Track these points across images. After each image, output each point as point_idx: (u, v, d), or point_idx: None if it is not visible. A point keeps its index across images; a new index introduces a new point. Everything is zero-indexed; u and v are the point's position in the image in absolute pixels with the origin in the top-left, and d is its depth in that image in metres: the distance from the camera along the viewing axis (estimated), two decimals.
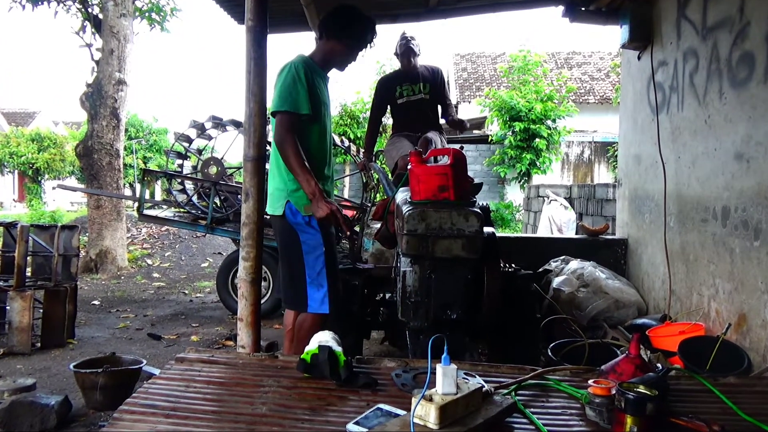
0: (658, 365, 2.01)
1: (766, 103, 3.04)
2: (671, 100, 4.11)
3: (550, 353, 3.06)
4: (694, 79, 3.80)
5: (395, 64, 5.52)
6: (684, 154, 3.90)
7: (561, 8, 5.01)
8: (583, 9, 5.01)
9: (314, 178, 2.65)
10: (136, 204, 6.61)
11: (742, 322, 3.19)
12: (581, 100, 19.11)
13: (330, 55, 2.89)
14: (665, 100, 4.21)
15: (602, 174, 16.22)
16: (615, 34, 4.77)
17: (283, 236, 2.81)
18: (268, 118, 2.74)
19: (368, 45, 2.96)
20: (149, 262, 9.49)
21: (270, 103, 2.73)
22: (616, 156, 5.97)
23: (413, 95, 4.46)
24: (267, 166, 2.97)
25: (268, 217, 2.85)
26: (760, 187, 3.06)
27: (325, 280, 2.73)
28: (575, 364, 2.27)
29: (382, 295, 3.78)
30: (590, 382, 1.68)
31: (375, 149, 4.97)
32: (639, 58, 4.69)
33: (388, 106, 4.61)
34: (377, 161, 5.72)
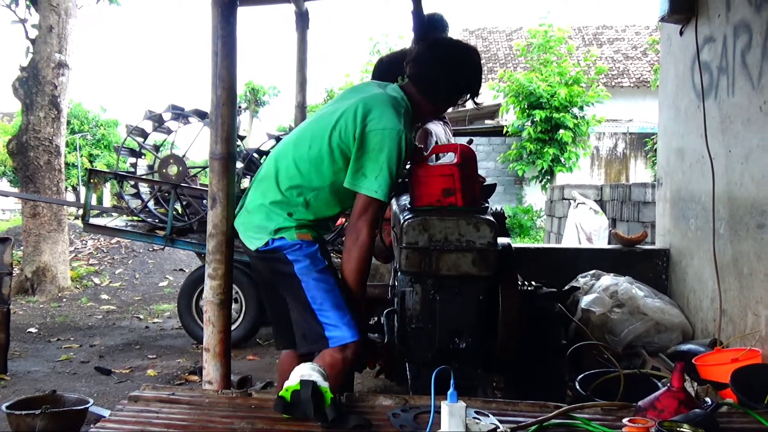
0: (707, 400, 2.02)
1: None
2: (720, 84, 4.14)
3: (578, 387, 3.06)
4: (747, 59, 3.83)
5: (391, 42, 5.53)
6: (735, 147, 3.93)
7: None
8: None
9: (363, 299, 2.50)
10: (81, 211, 6.60)
11: None
12: (614, 84, 19.24)
13: (417, 112, 2.63)
14: (712, 83, 4.24)
15: (639, 171, 16.31)
16: (653, 4, 4.81)
17: (263, 269, 2.57)
18: (236, 107, 2.71)
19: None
20: (96, 281, 9.46)
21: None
22: (656, 150, 5.99)
23: None
24: (238, 165, 2.98)
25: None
26: None
27: (343, 300, 2.44)
28: (608, 400, 2.28)
29: (376, 319, 3.78)
30: (625, 420, 1.69)
31: None
32: (681, 33, 4.73)
33: None
34: None
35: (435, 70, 2.54)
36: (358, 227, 2.39)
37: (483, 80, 2.74)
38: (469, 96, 2.69)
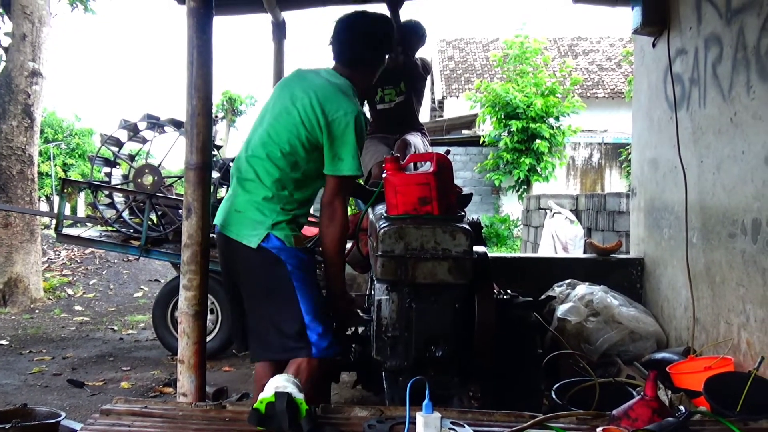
0: (680, 408, 2.04)
1: None
2: (692, 95, 4.21)
3: (553, 396, 3.08)
4: (718, 70, 3.89)
5: None
6: (707, 157, 3.99)
7: None
8: None
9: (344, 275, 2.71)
10: (54, 221, 6.51)
11: None
12: (589, 94, 19.48)
13: (358, 85, 2.81)
14: (685, 94, 4.31)
15: (614, 181, 16.49)
16: (626, 16, 4.88)
17: (259, 270, 2.60)
18: (212, 117, 2.73)
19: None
20: (70, 292, 9.34)
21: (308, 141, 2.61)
22: (630, 160, 6.07)
23: (395, 98, 4.51)
24: (214, 174, 2.96)
25: (214, 235, 2.79)
26: None
27: (328, 318, 2.63)
28: (583, 409, 2.29)
29: (353, 329, 3.78)
30: (599, 430, 1.70)
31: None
32: (654, 45, 4.80)
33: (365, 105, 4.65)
34: None
35: (350, 38, 2.75)
36: (334, 206, 2.58)
37: (395, 35, 2.95)
38: (389, 51, 2.92)
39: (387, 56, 2.91)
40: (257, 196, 2.59)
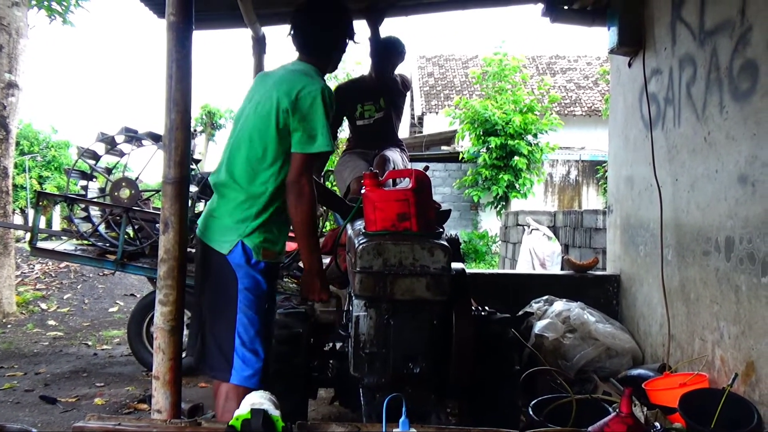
0: (656, 424, 2.06)
1: None
2: (666, 114, 4.28)
3: (531, 412, 3.08)
4: (692, 90, 3.96)
5: (348, 68, 5.57)
6: (682, 176, 4.05)
7: (541, 6, 5.17)
8: (565, 7, 5.19)
9: (318, 250, 2.71)
10: (29, 234, 6.43)
11: (750, 371, 3.29)
12: (566, 112, 19.70)
13: (323, 71, 2.87)
14: (660, 113, 4.38)
15: (591, 198, 16.64)
16: (603, 36, 4.95)
17: (217, 277, 2.66)
18: (190, 131, 2.73)
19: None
20: (43, 306, 9.20)
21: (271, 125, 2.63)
22: (607, 177, 6.14)
23: (375, 114, 4.53)
24: (192, 188, 2.95)
25: (192, 245, 2.80)
26: (767, 215, 3.20)
27: (261, 347, 2.62)
28: (560, 425, 2.30)
29: (331, 344, 3.76)
30: None
31: (324, 169, 4.99)
32: (630, 65, 4.88)
33: (345, 120, 4.66)
34: (327, 183, 5.74)
35: (303, 24, 2.80)
36: (301, 183, 2.58)
37: (353, 22, 2.97)
38: (345, 33, 2.91)
39: (348, 39, 2.93)
40: (232, 200, 2.65)
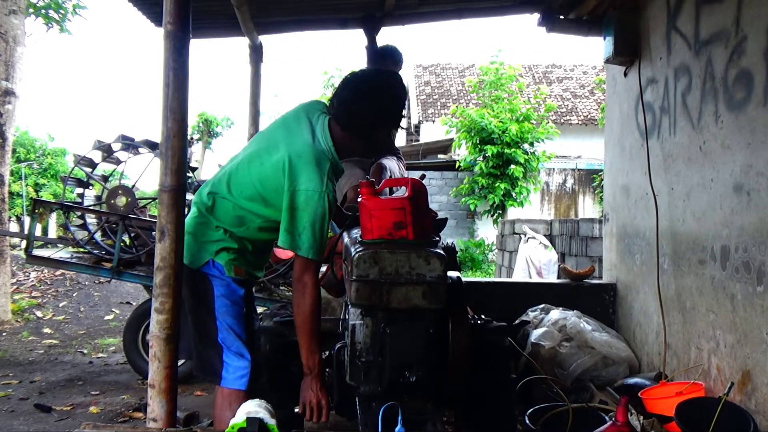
0: None
1: (767, 127, 3.21)
2: (662, 123, 4.29)
3: (527, 421, 3.08)
4: (687, 100, 3.98)
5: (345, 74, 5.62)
6: (678, 185, 4.06)
7: (537, 16, 5.20)
8: (561, 17, 5.22)
9: (320, 351, 2.64)
10: (24, 242, 6.41)
11: (746, 380, 3.30)
12: (563, 121, 19.77)
13: (349, 151, 2.74)
14: (655, 122, 4.39)
15: (587, 207, 16.68)
16: (599, 46, 4.98)
17: (194, 286, 2.69)
18: (187, 139, 2.73)
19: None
20: (39, 314, 9.17)
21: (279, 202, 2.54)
22: (603, 186, 6.16)
23: None
24: (189, 197, 2.95)
25: None
26: (762, 224, 3.21)
27: (246, 350, 2.65)
28: None
29: (327, 353, 3.75)
30: None
31: None
32: (625, 74, 4.90)
33: None
34: None
35: (353, 104, 2.56)
36: (304, 281, 2.52)
37: (404, 106, 2.84)
38: (392, 125, 2.79)
39: (394, 129, 2.81)
40: (208, 225, 2.66)
